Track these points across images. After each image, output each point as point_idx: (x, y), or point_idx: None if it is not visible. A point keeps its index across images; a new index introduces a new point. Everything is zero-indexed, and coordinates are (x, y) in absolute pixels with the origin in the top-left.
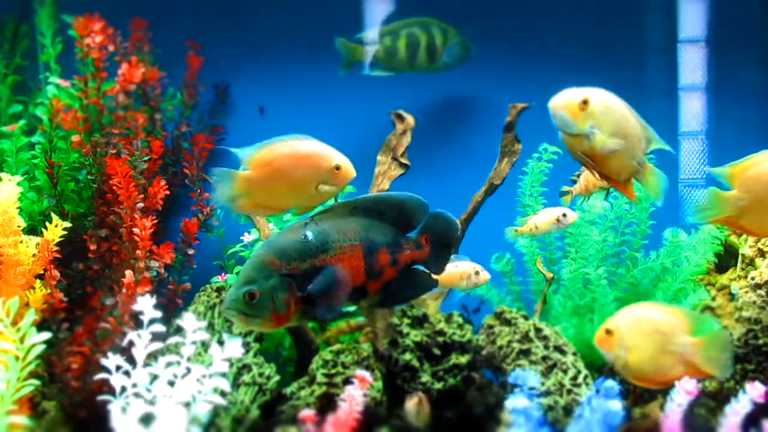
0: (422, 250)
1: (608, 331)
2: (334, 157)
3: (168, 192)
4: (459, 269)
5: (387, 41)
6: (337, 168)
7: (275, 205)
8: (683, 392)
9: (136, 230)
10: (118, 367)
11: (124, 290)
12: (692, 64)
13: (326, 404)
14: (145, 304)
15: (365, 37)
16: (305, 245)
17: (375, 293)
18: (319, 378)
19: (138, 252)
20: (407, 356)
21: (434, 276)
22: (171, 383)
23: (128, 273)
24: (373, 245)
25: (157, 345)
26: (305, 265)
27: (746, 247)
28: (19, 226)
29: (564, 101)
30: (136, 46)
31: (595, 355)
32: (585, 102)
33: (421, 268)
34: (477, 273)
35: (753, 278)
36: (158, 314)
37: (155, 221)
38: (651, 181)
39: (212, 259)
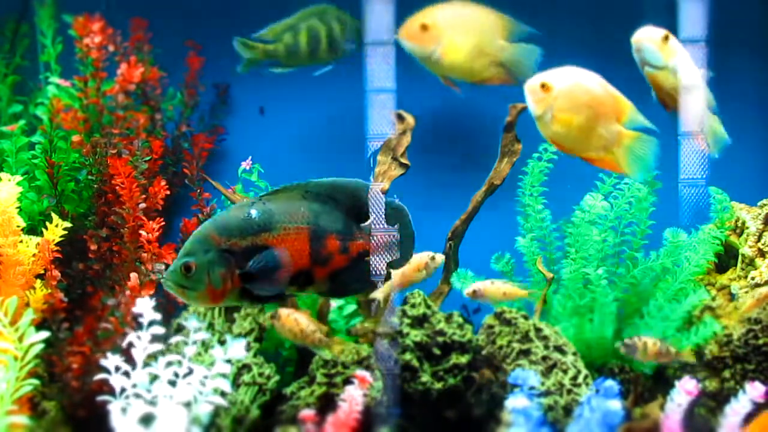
0: None
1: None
2: None
3: (168, 192)
4: (413, 263)
5: (287, 38)
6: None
7: None
8: (683, 392)
9: (143, 233)
10: (117, 368)
11: (128, 292)
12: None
13: (326, 404)
14: (145, 306)
15: (264, 35)
16: (247, 223)
17: (322, 280)
18: (319, 378)
19: (144, 255)
20: (407, 356)
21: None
22: (172, 383)
23: (133, 276)
24: (320, 230)
25: (157, 346)
26: (245, 242)
27: (746, 247)
28: (18, 226)
29: (648, 34)
30: (136, 46)
31: (595, 355)
32: (667, 36)
33: None
34: (433, 258)
35: (753, 278)
36: (158, 316)
37: (162, 224)
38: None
39: None
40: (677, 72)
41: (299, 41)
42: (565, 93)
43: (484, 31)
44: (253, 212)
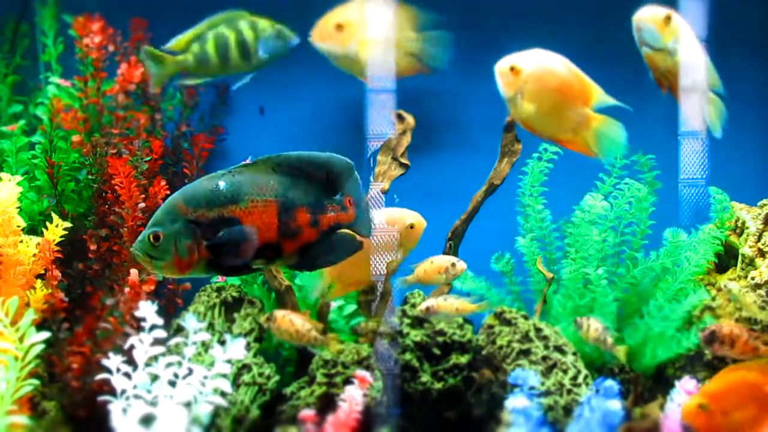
0: (347, 212)
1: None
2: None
3: (168, 192)
4: (435, 264)
5: (195, 48)
6: (411, 227)
7: None
8: (683, 392)
9: None
10: (118, 369)
11: (127, 289)
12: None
13: (326, 404)
14: (147, 310)
15: (173, 46)
16: (215, 194)
17: (291, 254)
18: (319, 378)
19: None
20: (407, 356)
21: (363, 239)
22: (172, 383)
23: (133, 272)
24: (289, 203)
25: (158, 348)
26: (212, 213)
27: (746, 247)
28: (19, 226)
29: (650, 15)
30: (137, 46)
31: (595, 355)
32: (669, 17)
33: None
34: (453, 265)
35: (753, 278)
36: (160, 321)
37: None
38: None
39: None
40: (676, 53)
41: (207, 50)
42: (534, 76)
43: (395, 24)
44: (221, 184)
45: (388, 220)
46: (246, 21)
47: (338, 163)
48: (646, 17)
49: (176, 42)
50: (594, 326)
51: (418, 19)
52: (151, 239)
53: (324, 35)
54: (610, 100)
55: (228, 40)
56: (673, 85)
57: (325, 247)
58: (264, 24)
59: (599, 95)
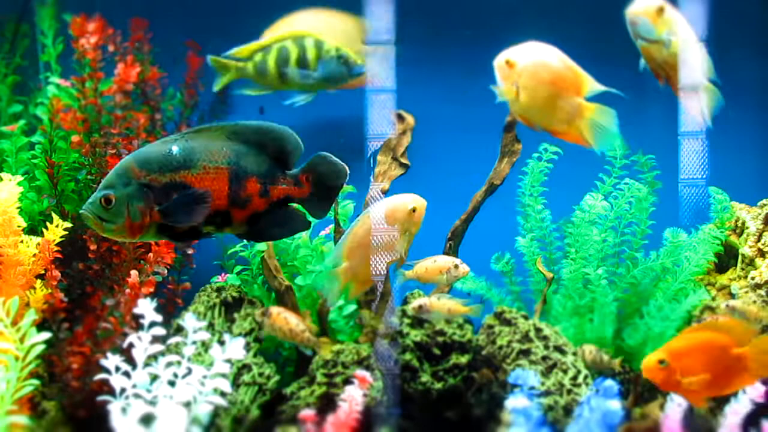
0: (301, 188)
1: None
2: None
3: None
4: (438, 264)
5: (257, 57)
6: (413, 210)
7: None
8: None
9: None
10: (117, 368)
11: (128, 290)
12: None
13: (326, 404)
14: (146, 308)
15: (237, 53)
16: (168, 158)
17: (240, 222)
18: (319, 378)
19: (149, 255)
20: (407, 356)
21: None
22: (171, 383)
23: (133, 273)
24: (241, 172)
25: (158, 347)
26: (165, 178)
27: (746, 247)
28: (19, 226)
29: (643, 8)
30: (136, 46)
31: None
32: (661, 9)
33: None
34: (456, 266)
35: (753, 278)
36: (159, 318)
37: None
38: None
39: (212, 259)
40: (671, 44)
41: (267, 61)
42: (528, 69)
43: (350, 37)
44: (174, 149)
45: (390, 208)
46: (312, 40)
47: (292, 139)
48: (639, 10)
49: (240, 49)
50: (588, 350)
51: (368, 30)
52: (103, 202)
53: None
54: (601, 87)
55: (289, 55)
56: (670, 76)
57: (274, 219)
58: (329, 46)
59: (590, 83)
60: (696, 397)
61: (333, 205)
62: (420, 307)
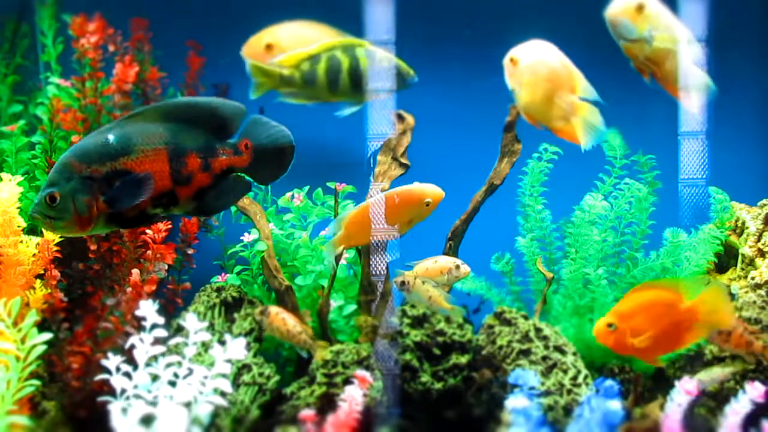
0: (241, 156)
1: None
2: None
3: None
4: (439, 264)
5: (305, 66)
6: (427, 204)
7: None
8: (683, 392)
9: (149, 231)
10: (118, 368)
11: (129, 289)
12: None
13: (326, 404)
14: (148, 310)
15: (282, 61)
16: (106, 148)
17: (187, 200)
18: (319, 378)
19: (149, 253)
20: (407, 356)
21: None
22: (172, 384)
23: (135, 272)
24: (180, 149)
25: (159, 349)
26: (105, 168)
27: (746, 247)
28: (19, 226)
29: (621, 8)
30: (136, 46)
31: (595, 356)
32: (641, 6)
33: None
34: (457, 267)
35: (753, 278)
36: (161, 320)
37: (169, 225)
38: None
39: (212, 259)
40: (653, 39)
41: (317, 71)
42: (529, 66)
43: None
44: (111, 137)
45: (407, 192)
46: (364, 50)
47: (225, 107)
48: (617, 11)
49: (287, 58)
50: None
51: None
52: (48, 200)
53: (254, 53)
54: (591, 93)
55: (340, 65)
56: (655, 72)
57: (220, 190)
58: (381, 55)
59: (582, 85)
60: (649, 357)
61: (286, 170)
62: (402, 283)
